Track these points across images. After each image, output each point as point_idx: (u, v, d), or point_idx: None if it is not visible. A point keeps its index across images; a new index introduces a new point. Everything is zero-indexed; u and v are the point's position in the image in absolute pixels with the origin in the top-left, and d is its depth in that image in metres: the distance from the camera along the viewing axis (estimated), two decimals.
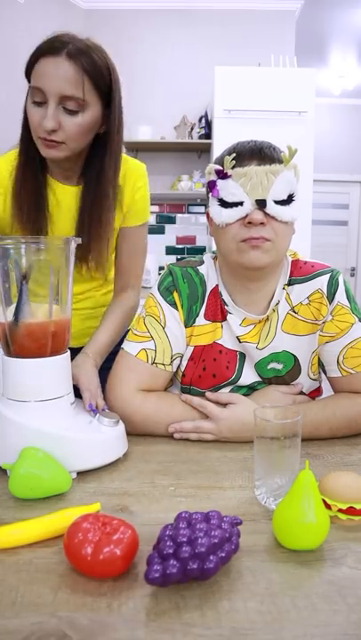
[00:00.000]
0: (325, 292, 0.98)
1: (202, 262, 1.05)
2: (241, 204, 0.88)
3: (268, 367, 1.01)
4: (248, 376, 1.02)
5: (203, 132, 3.70)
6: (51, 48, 0.93)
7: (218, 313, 1.01)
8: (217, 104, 3.33)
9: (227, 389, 1.02)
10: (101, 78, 0.98)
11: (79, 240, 0.84)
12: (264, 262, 0.90)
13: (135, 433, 0.95)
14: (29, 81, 0.98)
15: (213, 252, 1.06)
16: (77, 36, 0.98)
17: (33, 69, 0.95)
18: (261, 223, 0.88)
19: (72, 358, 0.89)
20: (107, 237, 1.10)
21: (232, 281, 0.99)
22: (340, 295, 0.98)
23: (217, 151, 3.33)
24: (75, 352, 0.97)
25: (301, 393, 1.03)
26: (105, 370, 1.03)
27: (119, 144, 1.07)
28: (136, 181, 1.15)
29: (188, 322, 1.01)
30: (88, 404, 0.90)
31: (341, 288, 0.98)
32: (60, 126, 0.96)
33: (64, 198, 1.12)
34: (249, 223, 0.88)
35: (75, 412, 0.85)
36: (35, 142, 1.01)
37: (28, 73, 0.97)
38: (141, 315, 1.03)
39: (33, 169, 1.06)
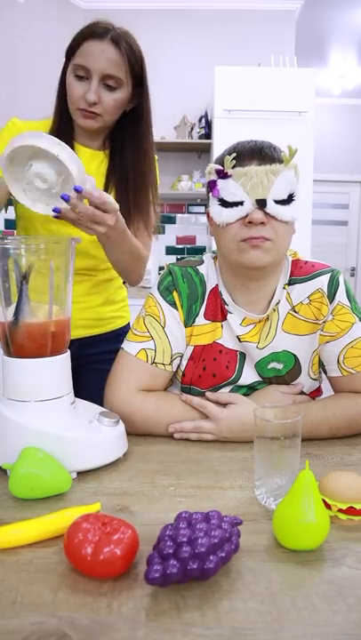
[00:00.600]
0: (326, 292, 0.98)
1: (202, 262, 1.05)
2: (241, 203, 0.88)
3: (269, 367, 1.01)
4: (248, 376, 1.02)
5: (203, 131, 3.70)
6: (96, 32, 1.08)
7: (218, 313, 1.01)
8: (217, 104, 3.33)
9: (227, 389, 1.02)
10: (135, 61, 1.12)
11: (79, 240, 0.84)
12: (264, 262, 0.90)
13: (135, 433, 0.95)
14: (68, 58, 1.12)
15: (213, 252, 1.06)
16: (118, 26, 1.13)
17: (78, 49, 1.08)
18: (262, 223, 0.88)
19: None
20: (151, 195, 1.22)
21: (232, 280, 0.99)
22: (341, 295, 0.98)
23: (217, 151, 3.33)
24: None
25: (302, 393, 1.03)
26: (105, 370, 1.03)
27: (150, 114, 1.21)
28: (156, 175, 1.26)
29: (188, 322, 1.01)
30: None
31: (342, 288, 0.98)
32: (99, 100, 1.09)
33: (84, 159, 1.17)
34: (249, 223, 0.88)
35: (75, 411, 0.85)
36: (71, 113, 1.14)
37: (71, 52, 1.10)
38: (141, 314, 1.03)
39: (66, 136, 1.15)
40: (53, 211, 0.88)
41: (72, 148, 1.14)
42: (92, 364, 1.18)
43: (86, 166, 1.15)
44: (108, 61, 1.07)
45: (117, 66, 1.08)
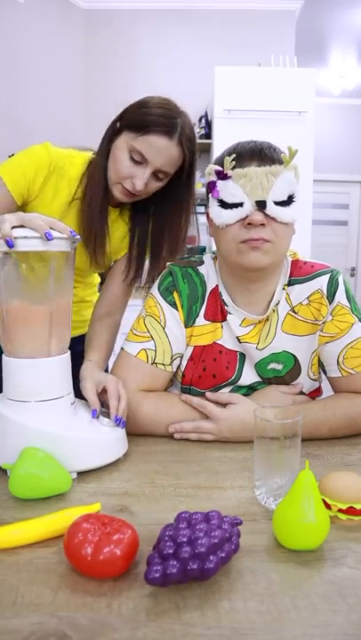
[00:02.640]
0: (325, 293, 0.98)
1: (202, 262, 1.05)
2: (241, 204, 0.88)
3: (268, 367, 1.01)
4: (248, 376, 1.02)
5: (203, 131, 3.70)
6: (166, 130, 1.04)
7: (218, 313, 1.01)
8: (217, 104, 3.33)
9: (227, 389, 1.02)
10: (192, 155, 1.12)
11: (79, 238, 0.84)
12: (264, 263, 0.90)
13: (135, 433, 0.95)
14: (125, 126, 1.07)
15: (213, 253, 1.06)
16: (181, 110, 1.09)
17: (143, 136, 1.04)
18: (261, 224, 0.88)
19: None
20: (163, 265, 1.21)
21: (232, 281, 0.99)
22: (340, 295, 0.98)
23: (217, 151, 3.33)
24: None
25: (301, 393, 1.03)
26: (104, 371, 1.03)
27: (190, 205, 1.23)
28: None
29: (188, 322, 1.01)
30: (115, 415, 0.89)
31: (341, 288, 0.98)
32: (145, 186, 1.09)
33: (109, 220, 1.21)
34: (249, 224, 0.88)
35: (75, 411, 0.85)
36: (109, 179, 1.12)
37: (133, 127, 1.06)
38: (141, 315, 1.03)
39: (104, 199, 1.15)
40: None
41: (107, 213, 1.17)
42: (79, 360, 1.19)
43: (112, 227, 1.20)
44: (169, 160, 1.07)
45: (174, 165, 1.09)
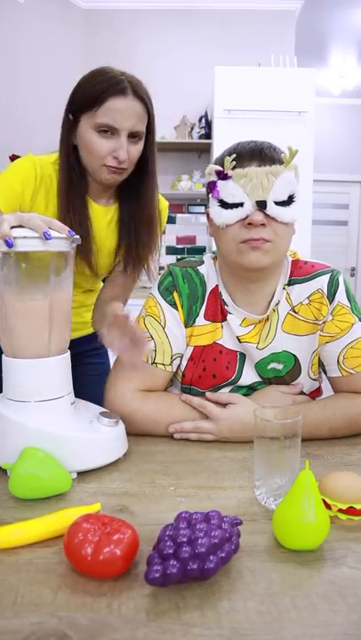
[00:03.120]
0: (326, 292, 0.98)
1: (202, 262, 1.05)
2: (241, 204, 0.88)
3: (269, 367, 1.01)
4: (248, 376, 1.02)
5: (203, 131, 3.70)
6: (119, 88, 1.03)
7: (218, 313, 1.01)
8: (217, 104, 3.33)
9: (227, 389, 1.02)
10: (150, 111, 1.10)
11: (78, 238, 0.84)
12: (264, 263, 0.90)
13: (135, 433, 0.95)
14: (81, 112, 1.06)
15: (213, 253, 1.06)
16: (122, 70, 1.08)
17: (100, 106, 1.03)
18: (262, 224, 0.88)
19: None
20: (155, 245, 1.22)
21: (232, 281, 0.99)
22: (341, 295, 0.98)
23: (217, 151, 3.33)
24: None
25: (302, 393, 1.03)
26: (104, 372, 1.03)
27: (155, 163, 1.18)
28: (163, 221, 1.27)
29: (188, 322, 1.01)
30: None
31: (342, 288, 0.98)
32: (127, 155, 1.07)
33: (99, 218, 1.20)
34: (249, 224, 0.88)
35: (75, 412, 0.85)
36: (92, 169, 1.10)
37: (89, 107, 1.05)
38: (141, 315, 1.03)
39: (80, 194, 1.13)
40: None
41: (87, 205, 1.16)
42: (78, 360, 1.19)
43: (100, 223, 1.20)
44: (135, 117, 1.05)
45: (142, 120, 1.07)
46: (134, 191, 1.18)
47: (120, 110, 1.03)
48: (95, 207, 1.19)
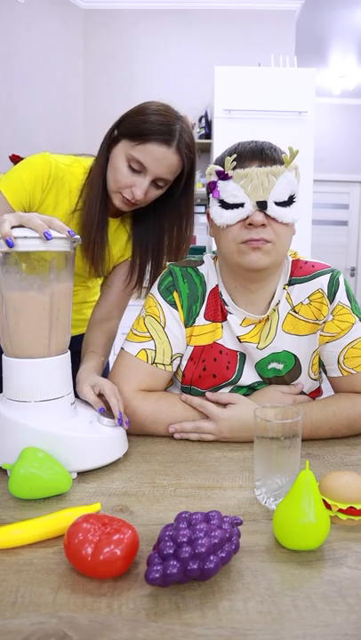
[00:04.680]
0: (326, 292, 0.98)
1: (202, 262, 1.05)
2: (242, 205, 0.88)
3: (269, 367, 1.01)
4: (248, 376, 1.02)
5: (203, 131, 3.70)
6: (164, 138, 1.03)
7: (218, 313, 1.01)
8: (217, 104, 3.33)
9: (227, 389, 1.02)
10: (191, 161, 1.10)
11: (78, 238, 0.84)
12: (264, 264, 0.90)
13: (135, 433, 0.95)
14: (121, 136, 1.06)
15: (213, 252, 1.06)
16: (179, 116, 1.08)
17: (141, 145, 1.03)
18: (262, 225, 0.88)
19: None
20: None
21: (232, 281, 0.99)
22: (341, 295, 0.98)
23: (217, 151, 3.34)
24: None
25: (302, 393, 1.03)
26: (104, 372, 1.03)
27: (192, 207, 1.22)
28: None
29: (188, 322, 1.01)
30: (118, 411, 0.89)
31: (342, 288, 0.98)
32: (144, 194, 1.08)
33: (109, 226, 1.20)
34: (250, 225, 0.88)
35: (75, 412, 0.85)
36: (108, 189, 1.11)
37: (131, 135, 1.04)
38: (141, 314, 1.03)
39: (105, 211, 1.14)
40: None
41: (108, 223, 1.16)
42: (79, 359, 1.20)
43: (111, 236, 1.21)
44: (169, 168, 1.05)
45: (175, 171, 1.08)
46: (156, 221, 1.19)
47: (156, 158, 1.03)
48: (110, 220, 1.20)
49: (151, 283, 1.22)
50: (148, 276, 1.25)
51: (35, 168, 1.10)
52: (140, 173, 1.05)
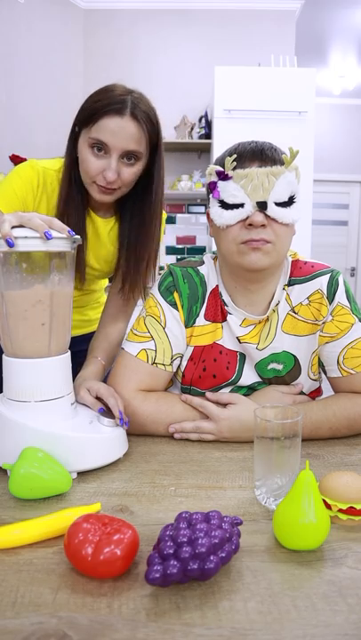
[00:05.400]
0: (325, 293, 0.98)
1: (202, 262, 1.05)
2: (242, 205, 0.88)
3: (269, 367, 1.01)
4: (248, 376, 1.02)
5: (203, 131, 3.70)
6: (115, 108, 1.00)
7: (218, 313, 1.01)
8: (217, 104, 3.34)
9: (227, 390, 1.02)
10: (153, 131, 1.07)
11: (79, 238, 0.84)
12: (264, 264, 0.90)
13: (135, 433, 0.95)
14: (80, 126, 1.05)
15: (213, 253, 1.06)
16: (132, 90, 1.05)
17: (95, 123, 1.01)
18: (262, 225, 0.88)
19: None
20: (153, 266, 1.20)
21: (232, 282, 0.99)
22: (341, 295, 0.98)
23: (217, 151, 3.34)
24: None
25: (302, 393, 1.03)
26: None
27: (162, 184, 1.17)
28: (160, 234, 1.25)
29: (189, 322, 1.01)
30: (118, 411, 0.89)
31: (341, 288, 0.98)
32: (118, 176, 1.04)
33: (100, 229, 1.20)
34: (250, 225, 0.88)
35: (75, 412, 0.86)
36: (85, 184, 1.08)
37: (86, 122, 1.04)
38: (141, 315, 1.03)
39: (77, 206, 1.12)
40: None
41: (85, 218, 1.15)
42: (79, 359, 1.20)
43: (102, 233, 1.20)
44: (129, 138, 1.02)
45: (138, 141, 1.03)
46: (135, 208, 1.16)
47: (113, 130, 1.01)
48: (96, 219, 1.19)
49: (147, 270, 1.20)
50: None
51: (23, 178, 1.10)
52: (105, 155, 1.03)
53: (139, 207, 1.16)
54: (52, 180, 1.12)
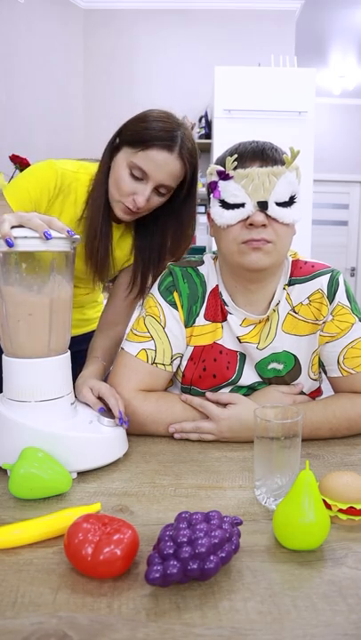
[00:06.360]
0: (326, 292, 0.98)
1: (202, 262, 1.05)
2: (242, 205, 0.88)
3: (269, 367, 1.01)
4: (248, 376, 1.02)
5: (203, 131, 3.71)
6: (167, 144, 1.01)
7: (218, 313, 1.01)
8: (217, 104, 3.33)
9: (227, 390, 1.02)
10: (193, 167, 1.08)
11: (78, 238, 0.84)
12: (265, 264, 0.90)
13: (135, 433, 0.95)
14: (124, 142, 1.05)
15: (214, 253, 1.06)
16: (181, 123, 1.06)
17: (143, 151, 1.02)
18: (263, 225, 0.88)
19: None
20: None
21: (232, 281, 0.99)
22: (341, 295, 0.98)
23: (217, 151, 3.34)
24: None
25: (302, 393, 1.03)
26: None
27: (195, 211, 1.18)
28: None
29: (188, 322, 1.01)
30: (119, 411, 0.89)
31: (342, 288, 0.98)
32: (147, 202, 1.06)
33: (113, 233, 1.19)
34: (250, 225, 0.88)
35: (75, 411, 0.85)
36: (110, 198, 1.09)
37: (132, 142, 1.03)
38: (141, 315, 1.03)
39: (108, 219, 1.13)
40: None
41: (112, 230, 1.15)
42: (79, 359, 1.20)
43: (113, 239, 1.19)
44: (171, 174, 1.04)
45: (177, 177, 1.06)
46: (159, 228, 1.18)
47: (158, 163, 1.02)
48: (115, 226, 1.19)
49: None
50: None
51: (41, 179, 1.09)
52: (141, 181, 1.04)
53: (162, 227, 1.17)
54: (69, 182, 1.11)
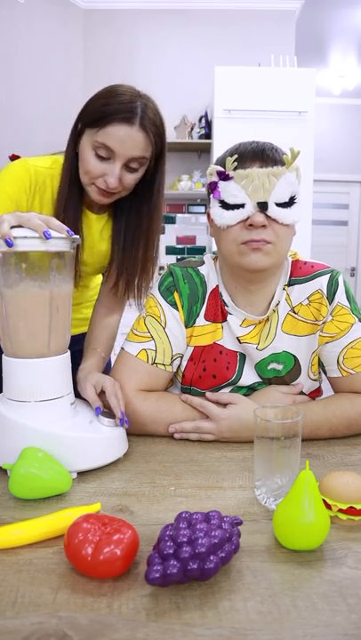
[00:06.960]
0: (325, 293, 0.98)
1: (202, 263, 1.05)
2: (242, 206, 0.88)
3: (269, 368, 1.01)
4: (248, 377, 1.02)
5: (203, 131, 3.70)
6: (125, 116, 0.98)
7: (218, 313, 1.01)
8: (217, 104, 3.33)
9: (227, 390, 1.02)
10: (160, 139, 1.06)
11: (78, 238, 0.84)
12: (265, 265, 0.90)
13: (135, 433, 0.95)
14: (85, 124, 1.03)
15: (214, 253, 1.06)
16: (140, 94, 1.03)
17: (102, 129, 0.99)
18: (263, 226, 0.88)
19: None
20: (150, 271, 1.18)
21: (232, 282, 0.99)
22: (340, 295, 0.98)
23: (217, 151, 3.34)
24: None
25: (301, 393, 1.03)
26: (104, 371, 1.03)
27: (163, 185, 1.15)
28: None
29: (189, 322, 1.01)
30: (120, 411, 0.89)
31: (341, 288, 0.98)
32: (120, 181, 1.03)
33: (93, 226, 1.18)
34: (250, 225, 0.88)
35: (75, 412, 0.85)
36: (83, 183, 1.07)
37: (92, 123, 1.01)
38: (142, 315, 1.03)
39: (76, 204, 1.11)
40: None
41: (81, 216, 1.13)
42: (79, 359, 1.20)
43: (94, 231, 1.19)
44: (136, 146, 1.00)
45: (144, 149, 1.02)
46: (133, 209, 1.15)
47: (120, 138, 0.99)
48: (90, 215, 1.17)
49: (137, 288, 1.19)
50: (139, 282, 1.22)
51: (16, 179, 1.08)
52: (108, 160, 1.01)
53: (136, 208, 1.14)
54: (44, 179, 1.10)
